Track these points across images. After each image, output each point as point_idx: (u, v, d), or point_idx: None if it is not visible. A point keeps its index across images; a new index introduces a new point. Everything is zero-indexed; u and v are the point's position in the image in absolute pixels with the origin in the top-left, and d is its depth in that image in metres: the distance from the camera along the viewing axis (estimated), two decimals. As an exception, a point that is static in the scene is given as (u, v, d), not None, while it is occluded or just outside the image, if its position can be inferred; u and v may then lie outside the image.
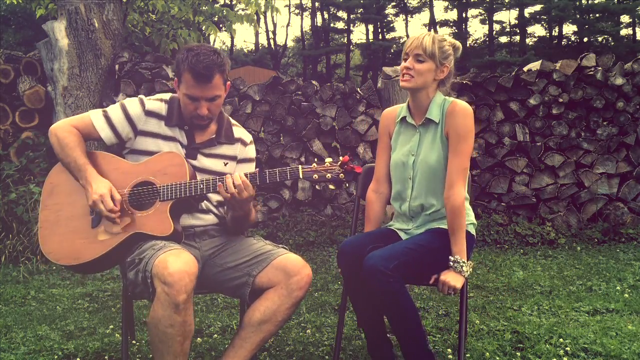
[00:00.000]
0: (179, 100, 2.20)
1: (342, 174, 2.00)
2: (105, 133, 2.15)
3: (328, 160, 2.04)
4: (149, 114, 2.18)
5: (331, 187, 2.06)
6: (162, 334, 1.84)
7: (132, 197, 2.08)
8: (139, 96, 2.24)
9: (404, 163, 2.29)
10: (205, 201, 2.24)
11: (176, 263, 1.81)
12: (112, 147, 2.21)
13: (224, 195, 2.03)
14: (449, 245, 2.16)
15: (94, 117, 2.17)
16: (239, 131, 2.33)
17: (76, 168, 2.09)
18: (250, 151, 2.35)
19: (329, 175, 2.00)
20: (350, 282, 2.23)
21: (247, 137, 2.35)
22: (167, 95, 2.25)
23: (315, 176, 2.01)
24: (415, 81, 2.21)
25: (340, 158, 2.02)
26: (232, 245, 2.23)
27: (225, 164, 2.26)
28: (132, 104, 2.19)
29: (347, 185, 2.09)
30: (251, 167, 2.34)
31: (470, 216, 2.29)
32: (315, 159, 2.07)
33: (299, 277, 2.03)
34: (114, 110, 2.18)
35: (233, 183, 2.01)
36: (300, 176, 2.01)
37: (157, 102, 2.21)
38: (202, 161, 2.21)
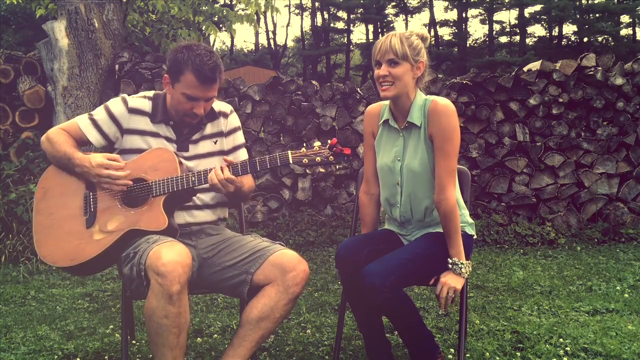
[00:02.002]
0: (163, 96, 2.22)
1: (331, 157, 2.01)
2: (92, 136, 2.17)
3: (317, 144, 2.04)
4: (133, 111, 2.19)
5: (321, 169, 2.07)
6: (157, 325, 1.85)
7: (125, 194, 2.09)
8: (122, 95, 2.25)
9: (391, 168, 2.23)
10: (200, 198, 2.24)
11: (169, 254, 1.82)
12: (103, 150, 2.21)
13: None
14: (446, 248, 2.13)
15: (81, 122, 2.19)
16: (217, 105, 2.33)
17: (66, 158, 2.11)
18: (234, 120, 2.36)
19: (318, 158, 2.01)
20: (348, 286, 2.23)
21: (227, 107, 2.36)
22: (150, 93, 2.27)
23: (305, 160, 2.02)
24: (395, 88, 2.11)
25: (329, 141, 2.03)
26: (229, 243, 2.22)
27: (215, 142, 2.27)
28: (115, 104, 2.20)
29: (336, 167, 2.10)
30: (239, 136, 2.36)
31: (465, 216, 2.26)
32: (304, 144, 2.07)
33: (294, 273, 2.03)
34: (99, 112, 2.20)
35: (217, 177, 2.03)
36: (290, 161, 2.02)
37: (140, 100, 2.22)
38: (194, 150, 2.23)
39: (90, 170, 2.06)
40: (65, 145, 2.13)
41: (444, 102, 2.12)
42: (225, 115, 2.33)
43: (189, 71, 2.06)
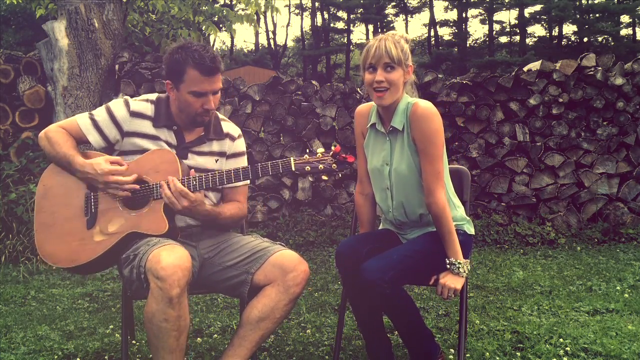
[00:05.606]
0: (166, 100, 2.20)
1: (334, 165, 1.98)
2: (92, 137, 2.14)
3: (320, 151, 2.02)
4: (134, 114, 2.16)
5: (324, 177, 2.04)
6: (156, 328, 1.84)
7: (125, 196, 2.08)
8: (124, 97, 2.23)
9: (380, 172, 2.23)
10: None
11: (169, 257, 1.81)
12: (102, 150, 2.20)
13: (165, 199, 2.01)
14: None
15: (81, 121, 2.16)
16: (227, 126, 2.32)
17: (66, 161, 2.08)
18: (240, 145, 2.35)
19: (321, 166, 1.99)
20: (348, 284, 2.22)
21: (235, 131, 2.35)
22: (153, 96, 2.24)
23: (308, 167, 1.99)
24: (391, 94, 2.09)
25: (332, 148, 2.01)
26: (229, 244, 2.23)
27: (216, 161, 2.26)
28: (117, 106, 2.17)
29: (339, 175, 2.06)
30: (242, 161, 2.34)
31: (461, 214, 2.25)
32: (307, 150, 2.05)
33: (295, 274, 2.03)
34: (100, 113, 2.17)
35: (169, 188, 2.00)
36: (292, 168, 2.00)
37: (142, 103, 2.20)
38: (193, 160, 2.21)
39: (95, 177, 2.04)
40: (64, 147, 2.10)
41: (424, 105, 2.10)
42: (232, 139, 2.32)
43: (191, 68, 2.04)
